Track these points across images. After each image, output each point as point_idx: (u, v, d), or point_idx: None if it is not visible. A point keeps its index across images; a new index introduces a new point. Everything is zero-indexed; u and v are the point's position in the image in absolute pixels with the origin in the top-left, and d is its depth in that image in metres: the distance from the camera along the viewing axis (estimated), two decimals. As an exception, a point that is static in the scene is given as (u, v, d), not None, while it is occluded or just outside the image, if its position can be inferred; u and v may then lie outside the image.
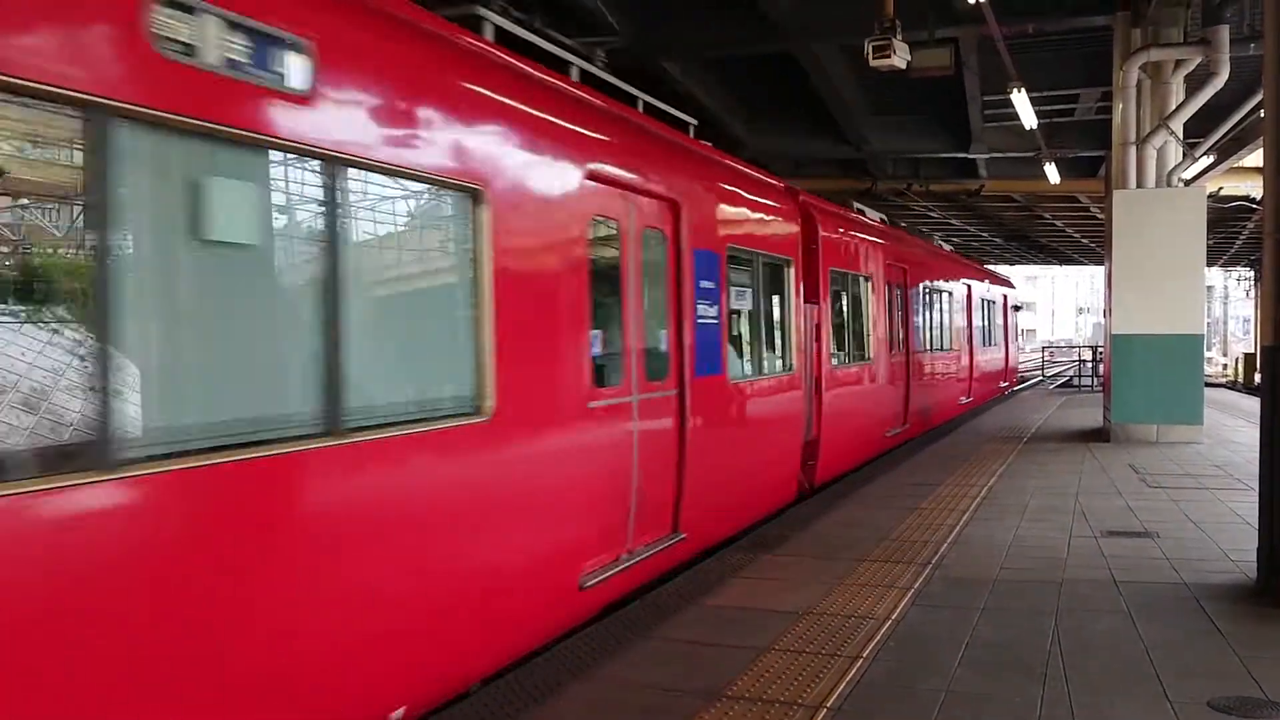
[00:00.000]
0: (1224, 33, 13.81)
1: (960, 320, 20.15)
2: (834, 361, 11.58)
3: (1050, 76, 18.43)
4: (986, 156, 23.39)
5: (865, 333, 13.18)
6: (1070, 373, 39.34)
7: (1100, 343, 28.01)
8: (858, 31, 12.03)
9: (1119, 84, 14.94)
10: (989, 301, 24.16)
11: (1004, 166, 25.27)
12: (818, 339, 10.78)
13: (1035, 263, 63.19)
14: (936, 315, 17.90)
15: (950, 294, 19.10)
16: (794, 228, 10.06)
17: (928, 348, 16.96)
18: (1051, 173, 22.38)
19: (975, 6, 11.92)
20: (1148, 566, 7.30)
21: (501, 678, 5.19)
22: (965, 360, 20.48)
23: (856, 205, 14.30)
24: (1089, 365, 31.93)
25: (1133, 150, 14.77)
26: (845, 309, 12.47)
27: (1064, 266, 64.22)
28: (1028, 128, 17.61)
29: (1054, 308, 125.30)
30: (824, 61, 16.87)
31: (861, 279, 13.06)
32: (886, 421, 14.22)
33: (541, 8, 13.15)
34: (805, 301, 10.38)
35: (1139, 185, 14.73)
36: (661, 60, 16.21)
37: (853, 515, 9.37)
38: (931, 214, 33.31)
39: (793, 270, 9.97)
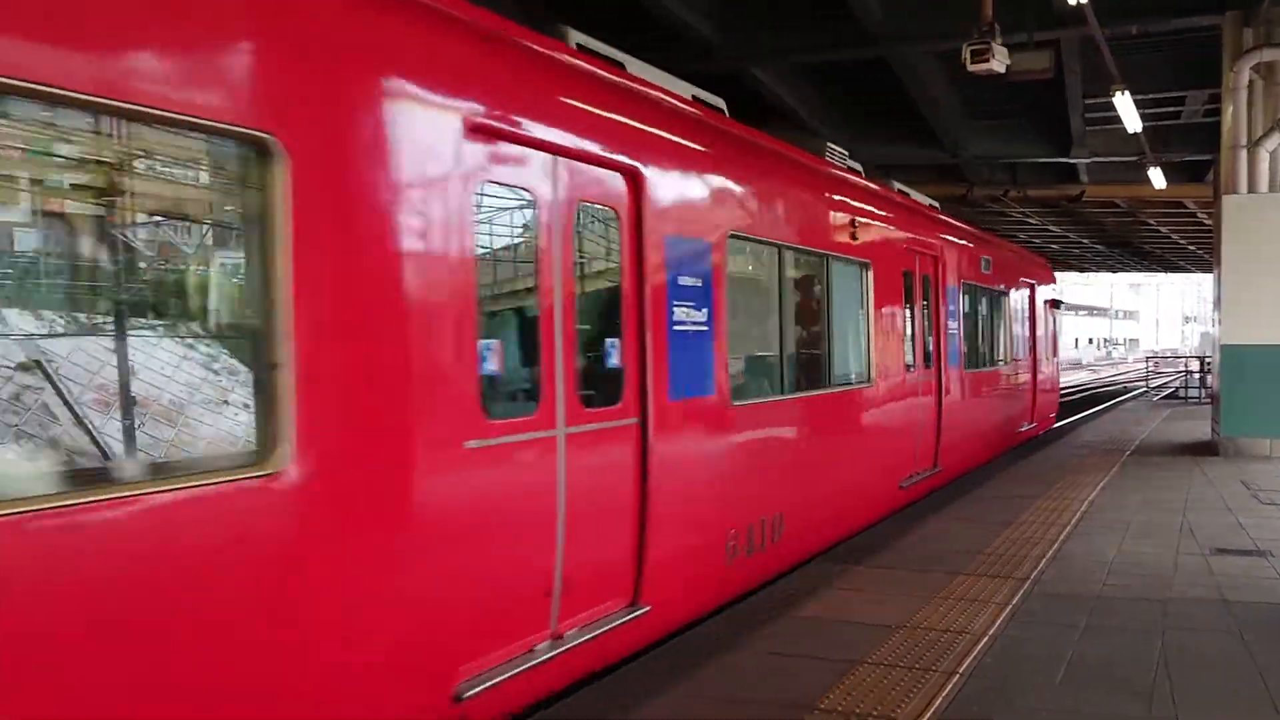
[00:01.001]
0: (1343, 31, 13.24)
1: (904, 324, 10.64)
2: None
3: (1155, 78, 17.90)
4: (1088, 161, 22.80)
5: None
6: (1176, 384, 38.04)
7: (1208, 353, 26.94)
8: (953, 35, 11.86)
9: (1229, 85, 14.42)
10: (995, 294, 15.04)
11: (1106, 171, 24.62)
12: None
13: (1139, 270, 61.45)
14: (825, 319, 8.83)
15: (865, 271, 9.56)
16: None
17: (787, 385, 8.02)
18: (1156, 177, 21.71)
19: (1076, 8, 11.63)
20: (1260, 586, 7.00)
21: (594, 683, 5.23)
22: (918, 404, 10.96)
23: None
24: (1196, 376, 30.80)
25: (1243, 154, 14.23)
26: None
27: (1169, 274, 62.27)
28: (1131, 131, 17.11)
29: (1158, 316, 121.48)
30: (918, 66, 16.66)
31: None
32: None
33: (629, 18, 13.28)
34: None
35: (1250, 190, 14.18)
36: (751, 67, 16.18)
37: (946, 529, 9.19)
38: (1030, 220, 32.61)
39: None
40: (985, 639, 5.79)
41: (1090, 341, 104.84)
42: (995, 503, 10.56)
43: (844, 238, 8.93)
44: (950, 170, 24.53)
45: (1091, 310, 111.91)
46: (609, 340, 5.60)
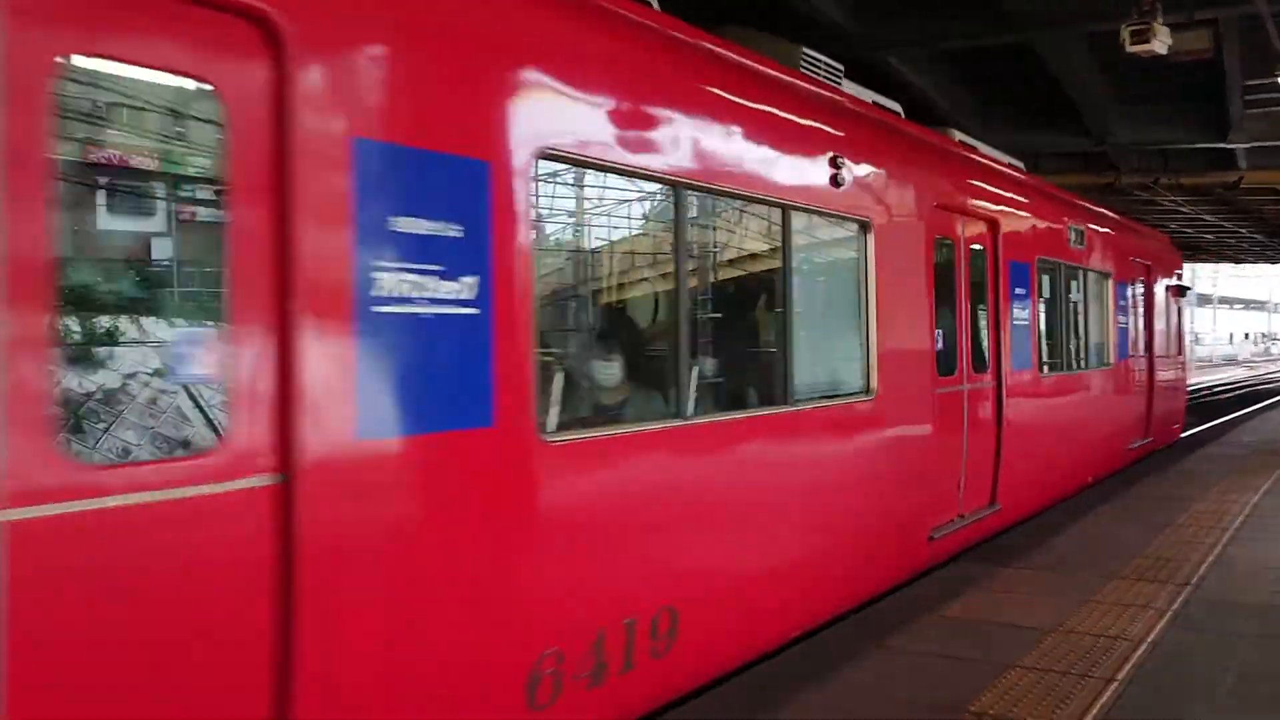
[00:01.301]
0: None
1: (939, 312, 7.71)
2: None
3: (1325, 56, 16.84)
4: (1247, 146, 21.63)
5: None
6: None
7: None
8: (1104, 16, 11.40)
9: None
10: (1092, 276, 11.91)
11: (1267, 156, 23.31)
12: None
13: (1301, 261, 57.96)
14: (780, 302, 5.88)
15: (864, 234, 6.61)
16: None
17: (695, 403, 4.97)
18: (1324, 162, 20.47)
19: (1240, -16, 11.02)
20: None
21: (740, 675, 5.22)
22: (965, 423, 8.05)
23: None
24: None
25: None
26: None
27: (1335, 265, 58.53)
28: (1297, 113, 16.15)
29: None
30: (1064, 48, 16.06)
31: None
32: None
33: (761, 4, 13.17)
34: None
35: None
36: (888, 55, 15.86)
37: (1096, 530, 8.86)
38: (1181, 209, 31.14)
39: None
40: (1144, 645, 5.57)
41: (1246, 336, 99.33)
42: (1150, 503, 10.12)
43: (818, 182, 5.95)
44: (1097, 158, 23.58)
45: (1248, 304, 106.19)
46: (201, 323, 3.13)
